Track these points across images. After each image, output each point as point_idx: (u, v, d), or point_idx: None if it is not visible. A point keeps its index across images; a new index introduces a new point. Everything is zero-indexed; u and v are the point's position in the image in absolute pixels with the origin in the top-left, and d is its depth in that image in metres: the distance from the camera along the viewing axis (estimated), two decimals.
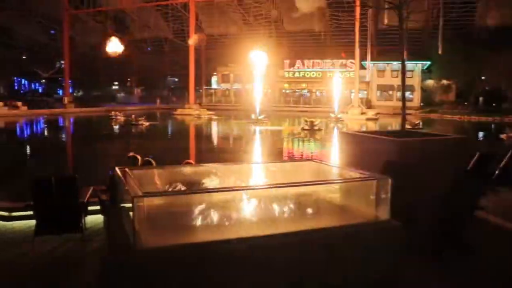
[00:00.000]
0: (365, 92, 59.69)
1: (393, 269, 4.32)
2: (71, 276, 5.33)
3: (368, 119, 42.44)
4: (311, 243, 3.88)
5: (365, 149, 6.77)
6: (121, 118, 37.72)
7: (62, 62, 61.05)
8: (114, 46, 43.37)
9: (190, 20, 50.65)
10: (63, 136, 31.05)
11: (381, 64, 59.93)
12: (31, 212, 6.45)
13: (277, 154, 20.09)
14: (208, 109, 48.56)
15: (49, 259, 5.91)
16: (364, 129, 30.79)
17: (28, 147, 23.58)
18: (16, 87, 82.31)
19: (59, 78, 73.10)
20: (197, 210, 3.81)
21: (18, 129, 34.44)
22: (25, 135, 31.20)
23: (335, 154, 18.36)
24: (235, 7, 63.71)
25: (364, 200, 4.56)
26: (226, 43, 70.98)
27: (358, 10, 45.67)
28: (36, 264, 5.76)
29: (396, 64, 56.11)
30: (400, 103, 8.58)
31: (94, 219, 7.22)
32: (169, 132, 34.78)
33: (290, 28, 66.55)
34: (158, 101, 65.08)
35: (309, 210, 4.15)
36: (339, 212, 4.52)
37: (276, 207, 4.06)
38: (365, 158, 6.50)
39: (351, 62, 58.12)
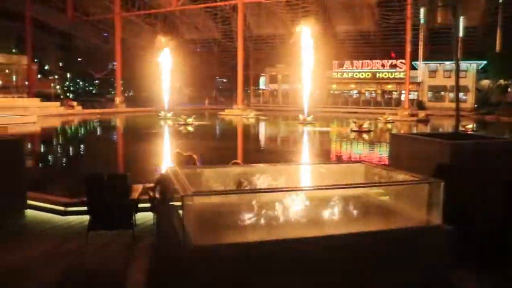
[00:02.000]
0: (416, 93, 58.19)
1: (444, 275, 4.19)
2: (121, 271, 5.48)
3: (418, 121, 41.37)
4: (359, 246, 3.81)
5: (416, 152, 6.60)
6: (170, 118, 38.50)
7: (114, 63, 62.91)
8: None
9: (238, 21, 51.04)
10: (115, 135, 32.01)
11: (432, 64, 58.17)
12: (85, 208, 6.70)
13: (325, 155, 19.92)
14: (256, 110, 48.76)
15: (100, 254, 6.11)
16: (414, 131, 30.02)
17: (82, 146, 24.47)
18: (71, 88, 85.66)
19: (111, 79, 75.46)
20: (244, 209, 3.83)
21: (73, 128, 35.79)
22: (80, 134, 32.39)
23: (384, 156, 18.00)
24: (283, 7, 63.56)
25: (415, 204, 4.44)
26: (274, 43, 71.01)
27: (409, 8, 44.64)
28: (88, 258, 5.96)
29: (448, 64, 54.36)
30: (452, 105, 8.29)
31: (145, 216, 7.40)
32: (217, 132, 35.16)
33: (339, 28, 65.76)
34: (206, 101, 65.90)
35: (358, 213, 4.08)
36: (390, 215, 4.42)
37: (324, 209, 4.02)
38: (416, 161, 6.34)
39: (401, 62, 56.78)
